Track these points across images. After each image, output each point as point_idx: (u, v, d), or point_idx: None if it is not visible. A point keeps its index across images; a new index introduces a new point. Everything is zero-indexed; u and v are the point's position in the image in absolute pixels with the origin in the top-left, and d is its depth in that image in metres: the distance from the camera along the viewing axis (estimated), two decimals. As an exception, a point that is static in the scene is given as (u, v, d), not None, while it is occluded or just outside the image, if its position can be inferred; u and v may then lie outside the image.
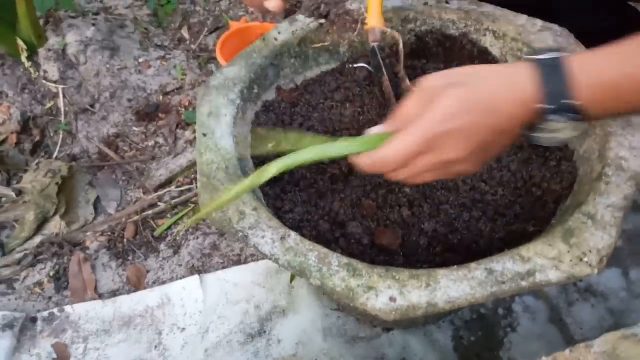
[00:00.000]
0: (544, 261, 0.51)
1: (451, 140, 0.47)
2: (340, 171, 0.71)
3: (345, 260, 0.53)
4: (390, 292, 0.50)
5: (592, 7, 0.90)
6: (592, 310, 0.84)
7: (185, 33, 1.39)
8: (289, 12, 1.35)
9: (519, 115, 0.47)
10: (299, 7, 1.35)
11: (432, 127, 0.47)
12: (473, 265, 0.51)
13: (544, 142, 0.52)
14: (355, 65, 0.83)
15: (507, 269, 0.51)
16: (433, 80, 0.49)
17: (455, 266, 0.52)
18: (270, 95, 0.79)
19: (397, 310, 0.49)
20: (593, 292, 0.86)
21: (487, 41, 0.81)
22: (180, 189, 1.05)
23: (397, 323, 0.80)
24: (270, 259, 0.54)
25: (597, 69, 0.46)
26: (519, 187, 0.67)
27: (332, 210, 0.66)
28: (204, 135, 0.66)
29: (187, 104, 1.19)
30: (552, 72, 0.46)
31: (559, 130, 0.50)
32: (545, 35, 0.77)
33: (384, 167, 0.50)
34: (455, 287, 0.50)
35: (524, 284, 0.50)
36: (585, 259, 0.52)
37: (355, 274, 0.51)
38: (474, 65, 0.51)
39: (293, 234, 0.56)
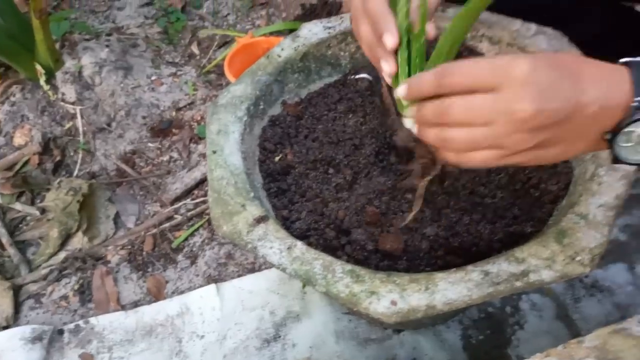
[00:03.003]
0: (537, 261, 0.54)
1: (528, 88, 0.43)
2: (344, 180, 0.74)
3: (348, 267, 0.56)
4: (391, 296, 0.53)
5: (590, 13, 0.91)
6: (598, 306, 0.86)
7: (195, 49, 1.44)
8: (309, 15, 1.38)
9: (607, 105, 0.44)
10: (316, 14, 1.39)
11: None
12: (469, 267, 0.54)
13: (630, 157, 0.47)
14: (356, 76, 0.87)
15: (502, 270, 0.54)
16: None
17: (453, 269, 0.54)
18: (276, 110, 0.82)
19: (398, 313, 0.51)
20: (599, 287, 0.88)
21: (484, 47, 0.84)
22: (195, 201, 1.09)
23: (405, 324, 0.83)
24: (278, 268, 0.57)
25: None
26: (517, 189, 0.70)
27: (337, 218, 0.69)
28: (214, 152, 0.70)
29: (199, 118, 1.24)
30: None
31: None
32: (539, 38, 0.79)
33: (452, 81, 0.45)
34: (453, 289, 0.52)
35: (518, 284, 0.52)
36: (578, 258, 0.54)
37: (358, 279, 0.54)
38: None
39: (299, 243, 0.59)
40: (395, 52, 0.56)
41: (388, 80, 0.58)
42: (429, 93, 0.48)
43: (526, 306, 0.86)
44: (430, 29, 0.55)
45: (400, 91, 0.51)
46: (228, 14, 1.53)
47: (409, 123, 0.53)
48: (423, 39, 0.54)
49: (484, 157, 0.47)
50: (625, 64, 0.45)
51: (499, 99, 0.43)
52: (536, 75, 0.43)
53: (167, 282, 0.97)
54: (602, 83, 0.44)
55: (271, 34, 1.35)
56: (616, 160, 0.47)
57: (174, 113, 1.25)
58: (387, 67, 0.56)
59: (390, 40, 0.54)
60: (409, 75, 0.56)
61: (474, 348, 0.83)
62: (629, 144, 0.46)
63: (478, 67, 0.45)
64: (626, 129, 0.45)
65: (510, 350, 0.82)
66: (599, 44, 0.69)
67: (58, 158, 1.18)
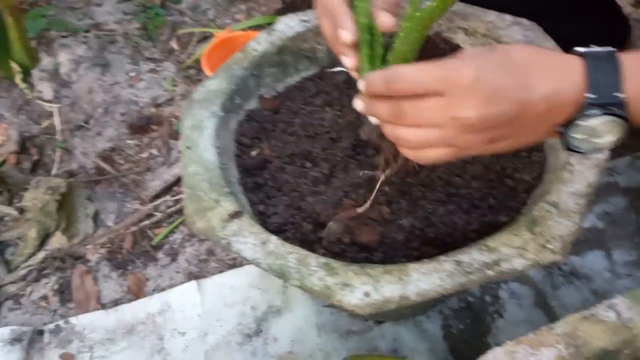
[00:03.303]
0: (509, 250, 0.54)
1: (472, 95, 0.43)
2: (321, 173, 0.74)
3: (322, 260, 0.56)
4: (364, 288, 0.53)
5: (581, 15, 0.91)
6: (576, 293, 0.87)
7: (174, 44, 1.43)
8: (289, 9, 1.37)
9: (558, 102, 0.44)
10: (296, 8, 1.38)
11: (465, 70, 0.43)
12: (442, 257, 0.54)
13: (581, 147, 0.47)
14: (333, 70, 0.86)
15: (474, 259, 0.54)
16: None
17: (426, 259, 0.55)
18: (253, 104, 0.82)
19: (372, 305, 0.52)
20: (577, 274, 0.89)
21: (459, 38, 0.84)
22: (175, 197, 1.08)
23: (383, 315, 0.83)
24: (252, 263, 0.57)
25: None
26: (492, 179, 0.70)
27: (314, 211, 0.69)
28: (188, 148, 0.69)
29: (178, 114, 1.23)
30: (602, 63, 0.44)
31: (598, 134, 0.46)
32: (514, 29, 0.79)
33: (397, 84, 0.46)
34: (426, 279, 0.53)
35: (490, 273, 0.53)
36: (549, 246, 0.54)
37: (332, 272, 0.54)
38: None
39: (274, 238, 0.59)
40: (356, 47, 0.56)
41: (353, 74, 0.58)
42: (380, 94, 0.49)
43: (505, 295, 0.87)
44: (389, 21, 0.53)
45: (361, 86, 0.51)
46: (208, 8, 1.52)
47: (374, 119, 0.53)
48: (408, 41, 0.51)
49: (438, 154, 0.48)
50: (581, 54, 0.45)
51: (445, 105, 0.44)
52: (481, 81, 0.43)
53: (147, 279, 0.97)
54: (554, 80, 0.44)
55: (250, 28, 1.34)
56: (568, 148, 0.48)
57: (153, 109, 1.24)
58: (346, 62, 0.57)
59: (345, 35, 0.55)
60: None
61: (454, 338, 0.83)
62: (581, 136, 0.46)
63: (424, 73, 0.45)
64: (577, 122, 0.45)
65: (490, 338, 0.83)
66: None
67: (36, 157, 1.16)
